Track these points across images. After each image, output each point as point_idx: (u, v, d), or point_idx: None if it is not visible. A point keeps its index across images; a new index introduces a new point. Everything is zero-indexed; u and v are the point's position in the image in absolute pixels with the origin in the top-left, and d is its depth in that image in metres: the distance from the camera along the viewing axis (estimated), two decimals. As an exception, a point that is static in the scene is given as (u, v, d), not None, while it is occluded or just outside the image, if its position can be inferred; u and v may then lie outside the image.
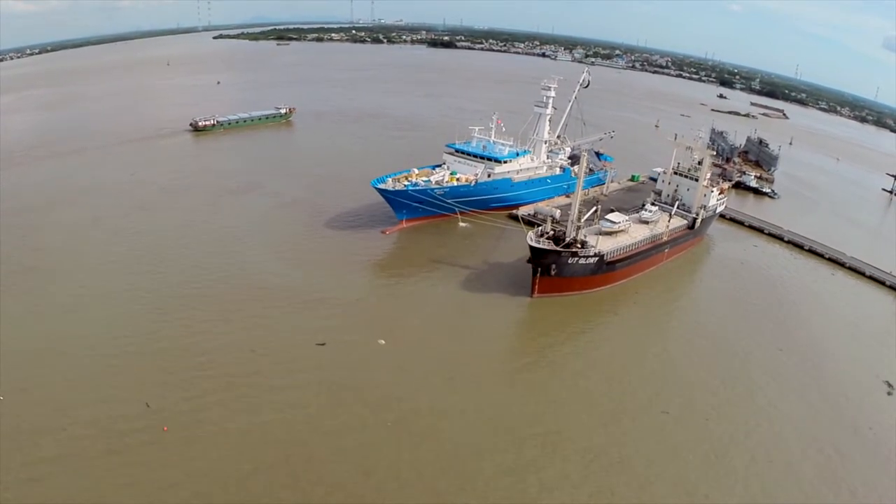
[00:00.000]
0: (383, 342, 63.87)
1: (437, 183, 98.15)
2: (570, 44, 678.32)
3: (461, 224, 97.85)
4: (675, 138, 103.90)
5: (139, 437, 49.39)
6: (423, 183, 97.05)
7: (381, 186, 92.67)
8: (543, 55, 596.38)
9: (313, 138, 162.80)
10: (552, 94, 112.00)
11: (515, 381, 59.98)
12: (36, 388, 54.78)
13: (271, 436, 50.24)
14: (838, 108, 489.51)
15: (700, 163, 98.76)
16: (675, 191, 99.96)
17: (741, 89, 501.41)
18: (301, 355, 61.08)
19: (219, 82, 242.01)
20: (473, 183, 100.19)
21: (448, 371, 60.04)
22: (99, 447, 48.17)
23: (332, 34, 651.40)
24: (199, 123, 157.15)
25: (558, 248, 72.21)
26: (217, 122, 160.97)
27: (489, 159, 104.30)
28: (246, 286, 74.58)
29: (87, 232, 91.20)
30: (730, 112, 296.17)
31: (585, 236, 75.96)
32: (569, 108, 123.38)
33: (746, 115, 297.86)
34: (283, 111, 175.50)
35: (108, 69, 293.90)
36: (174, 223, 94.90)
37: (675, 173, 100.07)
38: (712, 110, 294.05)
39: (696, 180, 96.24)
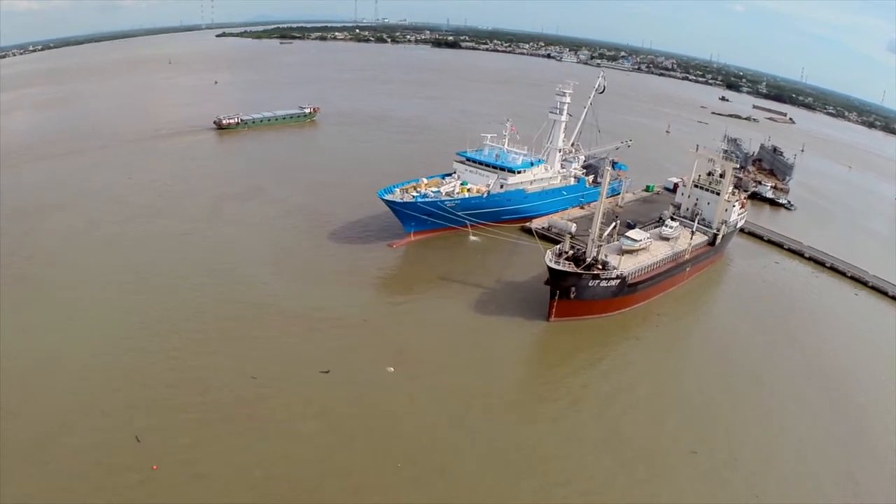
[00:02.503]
0: (392, 370, 59.96)
1: (447, 194, 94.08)
2: (574, 45, 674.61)
3: (472, 238, 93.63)
4: (697, 149, 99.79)
5: (126, 476, 45.49)
6: (432, 194, 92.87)
7: (389, 198, 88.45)
8: (549, 56, 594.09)
9: (320, 142, 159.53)
10: (567, 100, 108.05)
11: (536, 417, 55.80)
12: (18, 415, 50.93)
13: (269, 477, 46.29)
14: (846, 113, 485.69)
15: (721, 175, 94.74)
16: (696, 204, 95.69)
17: (748, 93, 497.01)
18: (303, 384, 57.13)
19: (216, 82, 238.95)
20: (485, 194, 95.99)
21: (463, 405, 56.02)
22: (83, 485, 44.39)
23: (336, 33, 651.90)
24: (224, 122, 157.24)
25: (579, 271, 68.00)
26: (241, 120, 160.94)
27: (502, 169, 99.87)
28: (246, 304, 70.69)
29: (82, 241, 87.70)
30: (731, 115, 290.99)
31: (606, 256, 71.92)
32: (584, 114, 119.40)
33: (748, 119, 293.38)
34: (307, 111, 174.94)
35: (110, 68, 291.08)
36: (172, 232, 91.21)
37: (696, 186, 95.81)
38: (713, 113, 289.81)
39: (718, 194, 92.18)
